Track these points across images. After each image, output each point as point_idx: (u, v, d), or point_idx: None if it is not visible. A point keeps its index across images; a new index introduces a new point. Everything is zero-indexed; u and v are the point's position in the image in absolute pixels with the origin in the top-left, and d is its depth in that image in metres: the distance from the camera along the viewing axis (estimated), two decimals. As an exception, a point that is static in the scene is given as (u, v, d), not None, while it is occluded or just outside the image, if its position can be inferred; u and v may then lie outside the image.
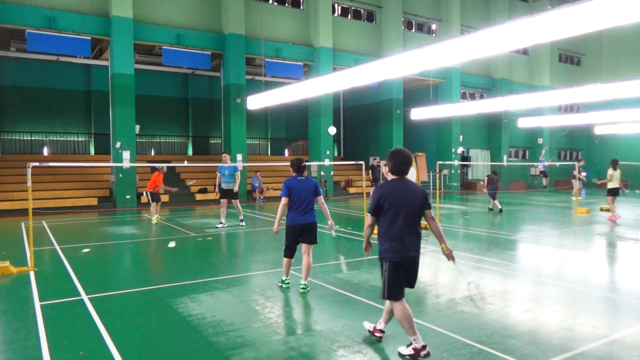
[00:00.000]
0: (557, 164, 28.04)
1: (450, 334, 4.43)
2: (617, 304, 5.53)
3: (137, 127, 18.33)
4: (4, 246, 9.45)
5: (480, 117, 28.76)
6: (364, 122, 28.28)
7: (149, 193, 13.01)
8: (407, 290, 6.05)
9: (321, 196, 6.04)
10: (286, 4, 21.83)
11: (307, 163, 6.41)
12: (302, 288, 5.90)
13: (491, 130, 29.79)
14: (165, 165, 13.42)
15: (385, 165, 4.10)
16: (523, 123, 24.37)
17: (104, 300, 5.68)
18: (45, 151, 22.35)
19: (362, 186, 23.62)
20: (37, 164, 7.50)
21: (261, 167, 21.91)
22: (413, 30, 25.88)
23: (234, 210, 12.77)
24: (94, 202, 17.35)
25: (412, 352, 3.89)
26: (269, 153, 28.82)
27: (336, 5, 23.23)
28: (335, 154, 29.34)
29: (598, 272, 7.24)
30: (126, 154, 17.28)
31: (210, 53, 19.30)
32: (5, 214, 15.11)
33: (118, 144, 17.20)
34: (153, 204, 13.11)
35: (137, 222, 13.05)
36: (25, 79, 21.85)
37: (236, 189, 12.01)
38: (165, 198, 18.44)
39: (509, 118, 29.01)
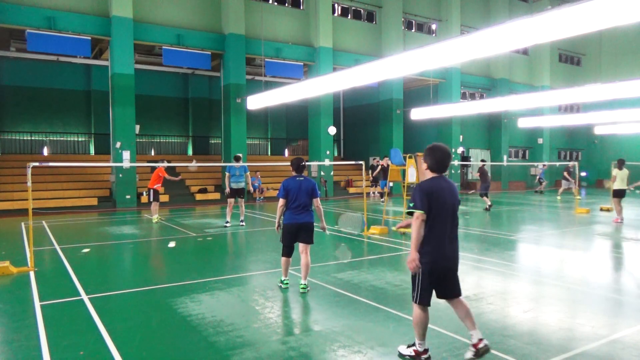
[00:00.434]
0: (557, 164, 28.04)
1: (450, 334, 4.43)
2: (617, 304, 5.53)
3: (137, 127, 18.33)
4: (4, 246, 9.45)
5: (480, 117, 28.76)
6: (364, 122, 28.28)
7: (151, 191, 13.02)
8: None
9: (318, 199, 6.09)
10: (286, 4, 21.83)
11: (307, 163, 6.43)
12: (302, 288, 5.93)
13: (491, 130, 29.79)
14: (165, 161, 13.48)
15: (423, 162, 3.84)
16: (523, 123, 24.38)
17: (104, 300, 5.67)
18: (45, 151, 22.35)
19: (362, 186, 23.62)
20: (37, 164, 7.50)
21: (261, 167, 21.92)
22: (413, 30, 25.88)
23: (236, 210, 12.79)
24: (94, 202, 17.35)
25: (413, 353, 3.85)
26: (269, 153, 28.82)
27: (336, 5, 23.23)
28: (335, 154, 29.34)
29: (598, 272, 7.24)
30: (126, 154, 17.27)
31: (210, 53, 19.29)
32: (5, 214, 15.11)
33: (118, 144, 17.20)
34: (154, 203, 13.13)
35: (137, 222, 13.05)
36: (25, 79, 21.85)
37: (250, 188, 12.74)
38: (165, 198, 18.45)
39: (509, 118, 29.01)
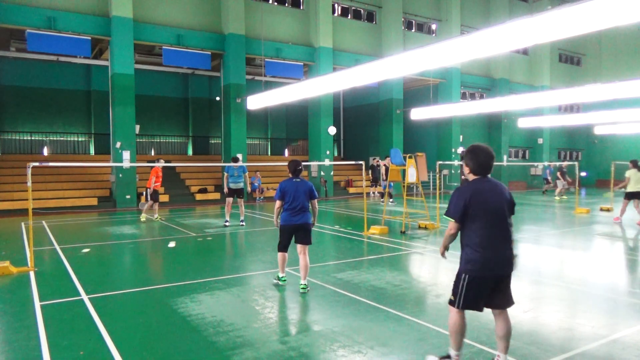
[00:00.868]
0: (557, 164, 28.04)
1: (450, 334, 4.42)
2: (617, 304, 5.53)
3: (137, 127, 18.33)
4: (4, 246, 9.45)
5: (480, 117, 28.76)
6: (364, 122, 28.28)
7: (147, 190, 13.08)
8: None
9: (315, 200, 6.19)
10: (286, 4, 21.82)
11: (307, 163, 6.50)
12: (302, 288, 5.95)
13: (491, 130, 29.78)
14: (162, 160, 13.47)
15: (465, 165, 3.60)
16: (523, 123, 24.38)
17: (104, 300, 5.68)
18: (45, 151, 22.35)
19: (362, 186, 23.63)
20: (37, 164, 7.50)
21: (261, 167, 21.92)
22: (413, 30, 25.88)
23: (236, 210, 12.80)
24: (94, 202, 17.35)
25: None
26: (269, 153, 28.82)
27: (336, 5, 23.22)
28: (335, 154, 29.34)
29: (598, 272, 7.24)
30: (126, 154, 17.27)
31: (210, 53, 19.29)
32: (5, 214, 15.11)
33: (118, 144, 17.19)
34: (149, 203, 13.17)
35: (137, 222, 13.05)
36: (25, 79, 21.84)
37: (249, 189, 12.47)
38: (165, 198, 18.46)
39: (509, 118, 29.01)
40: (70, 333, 4.56)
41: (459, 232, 3.56)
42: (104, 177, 19.40)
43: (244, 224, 12.33)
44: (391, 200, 19.20)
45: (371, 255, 8.50)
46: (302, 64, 21.64)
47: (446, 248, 3.76)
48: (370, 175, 23.08)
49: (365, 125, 28.02)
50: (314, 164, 21.39)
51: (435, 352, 3.97)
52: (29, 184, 7.58)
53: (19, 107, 21.81)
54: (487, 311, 5.05)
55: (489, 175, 3.59)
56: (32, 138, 22.05)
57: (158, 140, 25.38)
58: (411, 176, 11.07)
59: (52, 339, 4.38)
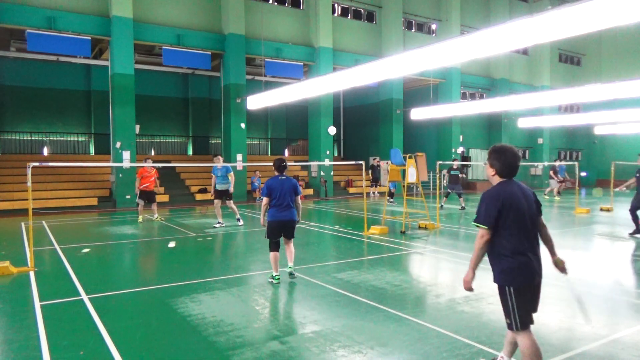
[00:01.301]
0: (557, 164, 28.04)
1: (450, 334, 4.43)
2: (617, 304, 5.53)
3: (137, 127, 18.33)
4: (4, 246, 9.45)
5: (480, 117, 28.76)
6: (364, 122, 28.29)
7: (138, 192, 13.11)
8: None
9: (299, 196, 6.52)
10: (286, 4, 21.83)
11: (307, 163, 6.62)
12: (289, 269, 6.48)
13: (491, 130, 29.79)
14: (149, 159, 13.45)
15: (490, 166, 3.35)
16: (523, 123, 24.39)
17: (104, 300, 5.68)
18: (45, 151, 22.35)
19: (362, 186, 23.63)
20: (37, 164, 7.50)
21: (261, 167, 21.92)
22: (413, 30, 25.88)
23: (229, 211, 12.78)
24: (94, 202, 17.35)
25: None
26: (269, 153, 28.82)
27: (336, 5, 23.23)
28: (335, 154, 29.34)
29: (598, 272, 7.24)
30: (126, 154, 17.28)
31: (210, 53, 19.30)
32: (5, 214, 15.11)
33: (118, 144, 17.20)
34: (140, 204, 13.16)
35: (137, 222, 13.05)
36: (25, 79, 21.85)
37: (231, 189, 12.01)
38: (165, 198, 18.46)
39: (509, 118, 29.02)
40: (70, 333, 4.55)
41: (494, 241, 3.27)
42: (104, 177, 19.40)
43: (241, 222, 12.25)
44: (391, 200, 19.21)
45: (371, 255, 8.50)
46: (302, 64, 21.64)
47: (478, 264, 3.29)
48: (370, 175, 23.09)
49: (365, 125, 28.03)
50: (314, 164, 21.40)
51: (435, 350, 3.97)
52: (29, 184, 7.58)
53: (19, 107, 21.81)
54: (487, 310, 5.06)
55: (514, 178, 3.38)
56: (32, 138, 22.05)
57: (158, 140, 25.38)
58: (411, 176, 11.07)
59: (52, 339, 4.38)
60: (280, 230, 6.34)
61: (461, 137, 27.01)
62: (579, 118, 24.28)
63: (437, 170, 13.36)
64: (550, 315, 4.99)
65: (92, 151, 23.39)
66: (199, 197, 19.81)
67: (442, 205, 15.87)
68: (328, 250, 9.15)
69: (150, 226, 12.42)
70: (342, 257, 8.10)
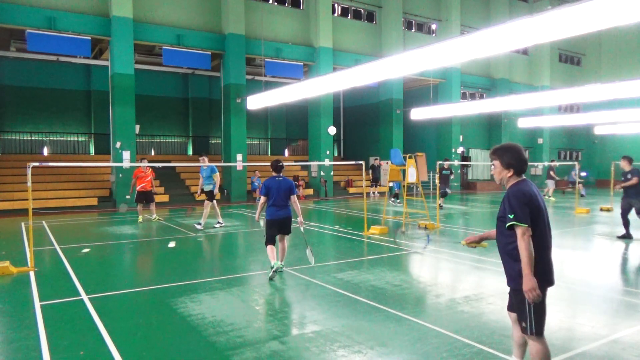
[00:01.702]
0: (558, 164, 28.05)
1: (450, 334, 4.43)
2: (617, 304, 5.53)
3: (137, 127, 18.33)
4: (4, 246, 9.44)
5: (480, 117, 28.76)
6: (364, 122, 28.28)
7: (135, 193, 13.13)
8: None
9: (295, 196, 6.85)
10: (286, 4, 21.83)
11: (307, 163, 6.74)
12: (279, 267, 6.70)
13: (491, 130, 29.79)
14: (145, 159, 13.46)
15: (504, 168, 3.22)
16: (523, 123, 24.38)
17: (104, 300, 5.68)
18: (45, 151, 22.35)
19: (362, 186, 23.62)
20: (37, 164, 7.50)
21: (261, 167, 21.91)
22: (413, 30, 25.88)
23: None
24: (94, 202, 17.35)
25: None
26: (269, 153, 28.82)
27: (336, 5, 23.23)
28: (335, 154, 29.34)
29: (598, 272, 7.24)
30: (126, 154, 17.28)
31: (210, 53, 19.29)
32: (5, 214, 15.11)
33: (118, 144, 17.20)
34: (140, 205, 13.19)
35: (137, 222, 13.05)
36: (25, 79, 21.84)
37: (216, 190, 11.70)
38: (165, 198, 18.46)
39: (509, 118, 29.02)
40: (70, 333, 4.56)
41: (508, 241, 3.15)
42: (104, 177, 19.40)
43: (218, 225, 11.75)
44: (392, 200, 19.21)
45: (371, 255, 8.50)
46: (302, 64, 21.64)
47: (534, 271, 2.98)
48: (370, 175, 23.09)
49: (365, 125, 28.02)
50: (314, 164, 21.39)
51: (435, 350, 3.97)
52: (29, 184, 7.58)
53: (19, 107, 21.81)
54: (487, 310, 5.06)
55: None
56: (32, 138, 22.05)
57: (158, 140, 25.38)
58: (411, 176, 11.07)
59: (52, 339, 4.38)
60: (277, 227, 6.71)
61: (461, 137, 27.01)
62: (579, 118, 24.28)
63: (437, 170, 13.36)
64: (550, 315, 4.98)
65: (92, 151, 23.39)
66: (200, 197, 19.78)
67: (441, 206, 15.88)
68: (328, 250, 9.15)
69: (150, 226, 12.42)
70: (342, 257, 8.10)
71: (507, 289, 3.37)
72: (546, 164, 24.03)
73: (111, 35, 17.01)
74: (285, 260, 7.46)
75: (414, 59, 7.91)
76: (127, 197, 17.38)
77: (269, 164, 7.13)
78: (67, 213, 15.75)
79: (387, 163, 20.05)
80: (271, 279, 6.49)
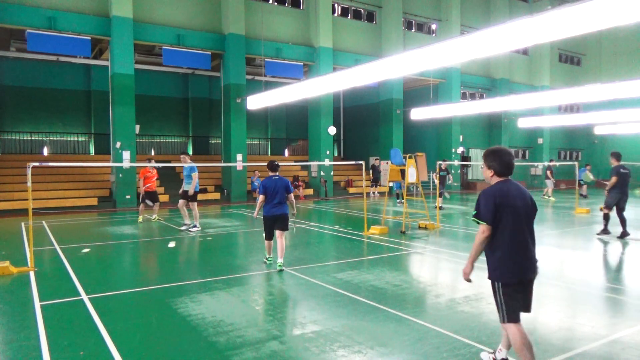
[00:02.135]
0: (558, 164, 28.07)
1: (450, 334, 4.43)
2: (617, 304, 5.53)
3: (137, 127, 18.32)
4: (4, 246, 9.45)
5: (480, 117, 28.76)
6: (364, 122, 28.28)
7: (143, 193, 13.12)
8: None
9: (291, 194, 7.31)
10: (286, 4, 21.83)
11: (307, 163, 6.89)
12: (279, 265, 7.06)
13: (491, 130, 29.79)
14: (152, 159, 13.46)
15: (487, 168, 3.53)
16: (523, 123, 24.39)
17: (104, 300, 5.67)
18: (45, 151, 22.35)
19: (362, 186, 23.63)
20: (37, 164, 7.51)
21: (261, 167, 21.90)
22: (413, 30, 25.88)
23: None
24: (94, 202, 17.35)
25: None
26: (269, 153, 28.82)
27: (336, 5, 23.23)
28: (335, 154, 29.34)
29: (598, 272, 7.24)
30: (126, 154, 17.28)
31: (210, 53, 19.29)
32: (5, 214, 15.11)
33: (118, 144, 17.20)
34: (141, 205, 13.19)
35: (137, 222, 13.05)
36: (25, 79, 21.84)
37: (191, 191, 11.22)
38: (165, 198, 18.45)
39: (509, 118, 29.02)
40: (70, 333, 4.56)
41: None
42: (104, 177, 19.40)
43: (195, 229, 11.31)
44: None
45: (371, 255, 8.50)
46: (302, 64, 21.64)
47: (476, 258, 3.46)
48: (371, 175, 23.09)
49: (365, 125, 28.02)
50: (314, 164, 21.39)
51: (435, 350, 3.97)
52: (29, 184, 7.58)
53: (19, 107, 21.81)
54: (487, 310, 5.06)
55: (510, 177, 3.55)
56: (32, 138, 22.05)
57: (158, 140, 25.38)
58: (411, 176, 11.07)
59: (52, 339, 4.38)
60: (273, 223, 7.18)
61: (461, 137, 27.01)
62: (579, 118, 24.28)
63: (437, 171, 13.36)
64: (550, 315, 5.00)
65: (92, 151, 23.39)
66: (199, 197, 19.76)
67: (441, 206, 15.88)
68: (328, 250, 9.15)
69: (150, 226, 12.42)
70: (342, 257, 8.10)
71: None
72: (545, 164, 24.04)
73: (111, 35, 17.01)
74: (285, 260, 7.50)
75: (414, 59, 7.91)
76: (127, 197, 17.43)
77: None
78: (67, 213, 15.75)
79: (387, 163, 20.05)
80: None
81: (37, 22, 15.83)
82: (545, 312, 5.09)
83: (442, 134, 27.02)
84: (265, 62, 20.38)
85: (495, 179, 3.49)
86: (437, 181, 13.59)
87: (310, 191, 22.37)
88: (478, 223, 3.40)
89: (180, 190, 11.66)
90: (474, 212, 3.44)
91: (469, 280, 3.53)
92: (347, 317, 4.96)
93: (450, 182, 17.54)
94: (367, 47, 23.91)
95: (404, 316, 4.94)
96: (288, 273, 6.93)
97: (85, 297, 5.73)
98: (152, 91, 24.66)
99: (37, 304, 5.47)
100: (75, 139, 23.18)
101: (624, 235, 9.93)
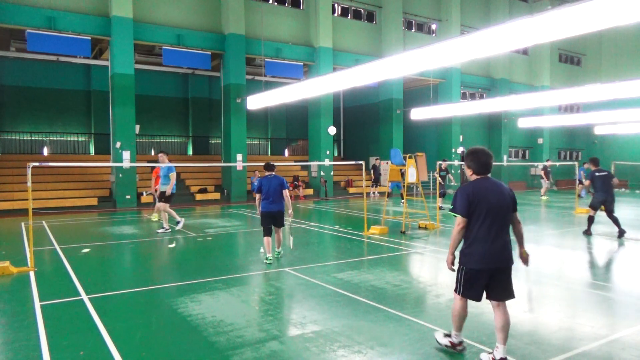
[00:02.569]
0: (558, 164, 28.07)
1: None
2: (617, 304, 5.53)
3: (137, 127, 18.32)
4: (4, 246, 9.45)
5: (480, 117, 28.76)
6: (364, 122, 28.28)
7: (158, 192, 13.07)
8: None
9: (286, 190, 7.63)
10: (286, 4, 21.83)
11: (307, 163, 7.07)
12: (277, 254, 7.84)
13: (491, 130, 29.79)
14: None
15: (467, 168, 3.88)
16: (523, 123, 24.39)
17: (104, 300, 5.68)
18: (45, 151, 22.35)
19: (362, 186, 23.62)
20: (37, 164, 7.51)
21: (261, 167, 21.90)
22: (413, 30, 25.88)
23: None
24: (94, 202, 17.35)
25: (449, 344, 4.01)
26: (269, 153, 28.82)
27: (336, 5, 23.23)
28: (335, 154, 29.34)
29: (598, 273, 7.24)
30: (126, 154, 17.28)
31: (210, 53, 19.29)
32: (5, 214, 15.11)
33: (118, 144, 17.20)
34: (161, 203, 13.15)
35: (137, 222, 13.05)
36: (25, 79, 21.84)
37: (168, 191, 10.87)
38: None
39: (509, 118, 29.02)
40: (70, 333, 4.55)
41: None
42: (104, 177, 19.40)
43: (162, 230, 11.00)
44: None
45: (371, 255, 8.50)
46: (302, 64, 21.64)
47: (453, 253, 3.85)
48: (372, 175, 23.08)
49: (365, 125, 28.02)
50: (314, 164, 21.38)
51: (435, 350, 3.98)
52: (29, 184, 7.58)
53: (19, 107, 21.80)
54: (487, 310, 5.06)
55: (489, 175, 3.87)
56: (32, 138, 22.05)
57: (158, 140, 25.37)
58: (411, 176, 11.07)
59: (52, 339, 4.38)
60: (269, 219, 7.55)
61: (461, 137, 27.01)
62: (579, 118, 24.27)
63: (437, 170, 13.35)
64: (550, 315, 5.00)
65: (92, 151, 23.39)
66: (199, 197, 19.82)
67: (441, 207, 15.86)
68: (328, 250, 9.15)
69: (150, 226, 12.41)
70: (342, 257, 8.10)
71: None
72: (541, 164, 24.04)
73: (111, 35, 17.01)
74: (285, 260, 7.59)
75: (414, 59, 7.91)
76: (127, 197, 17.42)
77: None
78: (67, 213, 15.75)
79: (387, 163, 20.04)
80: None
81: (37, 22, 15.83)
82: (545, 312, 5.09)
83: (442, 134, 27.02)
84: (265, 62, 20.39)
85: (474, 177, 3.84)
86: (439, 180, 13.56)
87: (310, 191, 22.37)
88: (455, 216, 3.78)
89: (157, 193, 11.37)
90: (451, 207, 3.85)
91: (452, 270, 3.88)
92: (347, 317, 4.96)
93: (452, 183, 17.50)
94: (367, 47, 23.91)
95: (404, 316, 4.94)
96: (288, 273, 6.93)
97: (85, 297, 5.73)
98: (152, 91, 24.66)
99: (37, 304, 5.47)
100: (75, 139, 23.18)
101: (621, 234, 10.00)
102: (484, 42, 6.54)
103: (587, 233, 10.58)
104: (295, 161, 25.30)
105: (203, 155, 25.58)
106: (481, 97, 29.08)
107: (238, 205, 18.25)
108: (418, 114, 19.70)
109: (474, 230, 3.71)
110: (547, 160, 22.09)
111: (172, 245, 9.47)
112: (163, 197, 11.04)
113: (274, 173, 7.66)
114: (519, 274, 6.95)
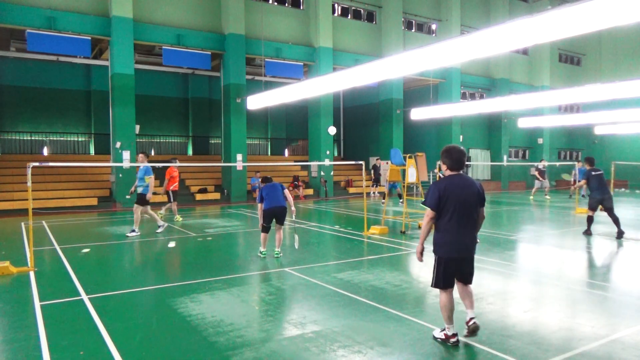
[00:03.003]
0: (557, 164, 28.06)
1: (450, 334, 4.42)
2: (617, 304, 5.53)
3: (137, 127, 18.32)
4: (4, 246, 9.45)
5: (480, 117, 28.75)
6: (364, 122, 28.28)
7: (169, 192, 13.16)
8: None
9: (286, 190, 8.09)
10: (286, 4, 21.82)
11: (307, 163, 7.27)
12: (276, 254, 7.97)
13: (491, 130, 29.78)
14: (177, 160, 13.51)
15: (442, 164, 4.25)
16: (523, 123, 24.37)
17: (104, 300, 5.68)
18: (45, 151, 22.35)
19: (362, 186, 23.62)
20: (37, 164, 7.51)
21: (261, 167, 21.92)
22: (413, 30, 25.88)
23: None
24: (94, 202, 17.34)
25: (443, 337, 4.18)
26: (269, 153, 28.83)
27: (336, 5, 23.23)
28: (335, 154, 29.33)
29: (598, 273, 7.24)
30: (126, 154, 17.27)
31: (210, 53, 19.29)
32: (5, 214, 15.11)
33: (118, 144, 17.19)
34: (174, 203, 13.26)
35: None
36: (25, 79, 21.84)
37: (149, 195, 10.52)
38: (164, 198, 18.40)
39: (509, 118, 29.01)
40: (70, 333, 4.56)
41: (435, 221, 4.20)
42: (104, 177, 19.40)
43: (133, 234, 10.54)
44: (382, 201, 19.21)
45: (371, 255, 8.51)
46: (302, 64, 21.64)
47: (423, 244, 4.24)
48: (372, 175, 23.08)
49: (365, 125, 28.02)
50: (314, 164, 21.37)
51: (435, 350, 3.98)
52: (29, 184, 7.58)
53: (19, 107, 21.80)
54: (487, 310, 5.06)
55: (462, 172, 4.23)
56: (32, 138, 22.05)
57: (158, 140, 25.38)
58: (411, 176, 11.07)
59: (52, 339, 4.38)
60: (274, 216, 7.88)
61: (461, 137, 27.00)
62: (579, 118, 24.25)
63: (438, 170, 13.35)
64: (550, 315, 5.00)
65: (92, 151, 23.39)
66: (199, 197, 19.81)
67: None
68: (328, 250, 9.15)
69: (150, 226, 12.40)
70: (342, 257, 8.10)
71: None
72: (538, 164, 24.01)
73: (111, 35, 17.01)
74: (285, 260, 7.60)
75: (414, 59, 7.90)
76: (128, 197, 17.40)
77: (268, 164, 7.98)
78: (67, 213, 15.75)
79: (387, 163, 20.04)
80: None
81: (37, 22, 15.83)
82: (545, 312, 5.09)
83: (442, 134, 27.01)
84: (265, 62, 20.38)
85: (449, 173, 4.20)
86: (438, 179, 13.57)
87: (310, 191, 22.37)
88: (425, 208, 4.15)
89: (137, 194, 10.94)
90: (422, 199, 4.28)
91: (420, 260, 4.27)
92: (347, 317, 4.96)
93: None
94: (367, 47, 23.91)
95: (404, 316, 4.94)
96: (288, 273, 6.93)
97: (85, 297, 5.73)
98: (152, 91, 24.66)
99: (37, 304, 5.47)
100: (75, 139, 23.18)
101: (620, 234, 9.99)
102: (484, 42, 6.53)
103: (587, 233, 10.59)
104: (295, 161, 25.29)
105: (203, 155, 25.58)
106: (481, 97, 29.07)
107: (238, 205, 18.25)
108: (418, 114, 19.70)
109: (444, 222, 4.10)
110: (542, 161, 22.07)
111: (172, 245, 9.46)
112: (142, 200, 10.56)
113: (272, 182, 8.16)
114: (519, 273, 6.96)
